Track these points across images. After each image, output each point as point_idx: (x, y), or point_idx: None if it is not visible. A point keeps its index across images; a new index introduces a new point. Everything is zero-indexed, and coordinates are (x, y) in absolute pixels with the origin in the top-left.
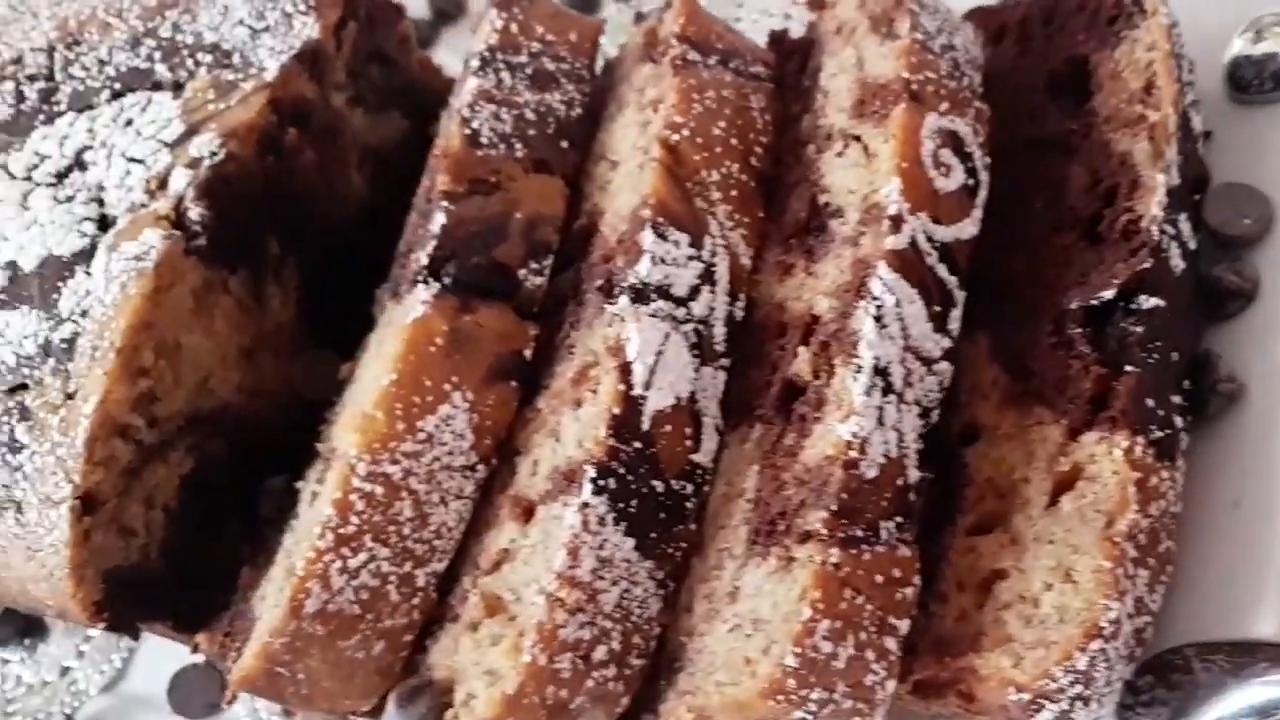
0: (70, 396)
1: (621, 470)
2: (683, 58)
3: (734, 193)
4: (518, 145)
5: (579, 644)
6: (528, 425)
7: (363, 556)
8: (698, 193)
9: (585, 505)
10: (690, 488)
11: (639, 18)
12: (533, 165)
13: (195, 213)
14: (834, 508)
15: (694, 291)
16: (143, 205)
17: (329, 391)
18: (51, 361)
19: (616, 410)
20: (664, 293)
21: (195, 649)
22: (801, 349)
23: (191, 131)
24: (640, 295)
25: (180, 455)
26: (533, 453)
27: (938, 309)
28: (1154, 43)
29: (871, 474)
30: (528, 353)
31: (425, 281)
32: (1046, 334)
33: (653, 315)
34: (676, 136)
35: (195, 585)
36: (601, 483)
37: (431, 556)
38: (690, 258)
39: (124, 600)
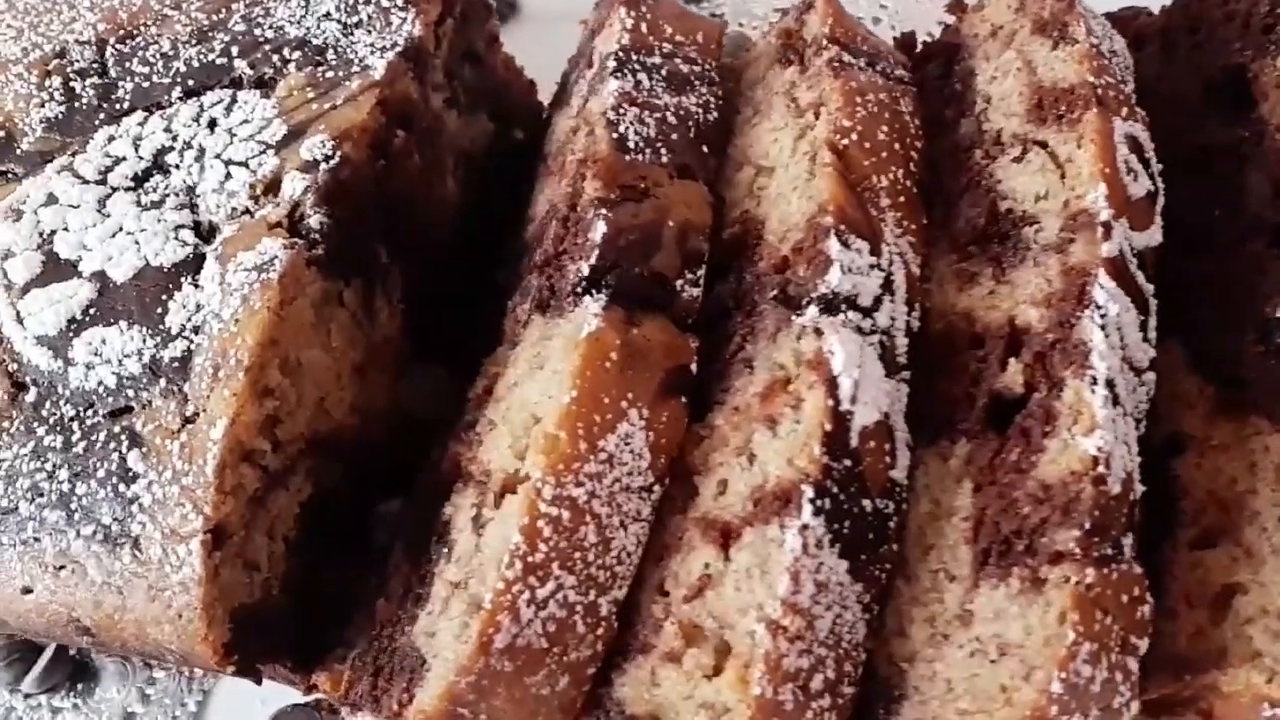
0: (190, 420)
1: (835, 489)
2: (839, 60)
3: (901, 199)
4: (663, 150)
5: (799, 673)
6: (702, 443)
7: (550, 586)
8: (869, 200)
9: (805, 527)
10: (891, 506)
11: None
12: (677, 171)
13: (315, 220)
14: (1087, 526)
15: (877, 301)
16: (247, 211)
17: (439, 408)
18: (162, 382)
19: (829, 426)
20: (852, 303)
21: (311, 689)
22: (1011, 361)
23: (297, 133)
24: (830, 306)
25: (300, 481)
26: (715, 472)
27: (1143, 317)
28: None
29: (1116, 489)
30: (693, 367)
31: (589, 293)
32: (1251, 343)
33: (844, 326)
34: (845, 141)
35: (314, 621)
36: (819, 503)
37: (613, 583)
38: (872, 266)
39: (250, 641)
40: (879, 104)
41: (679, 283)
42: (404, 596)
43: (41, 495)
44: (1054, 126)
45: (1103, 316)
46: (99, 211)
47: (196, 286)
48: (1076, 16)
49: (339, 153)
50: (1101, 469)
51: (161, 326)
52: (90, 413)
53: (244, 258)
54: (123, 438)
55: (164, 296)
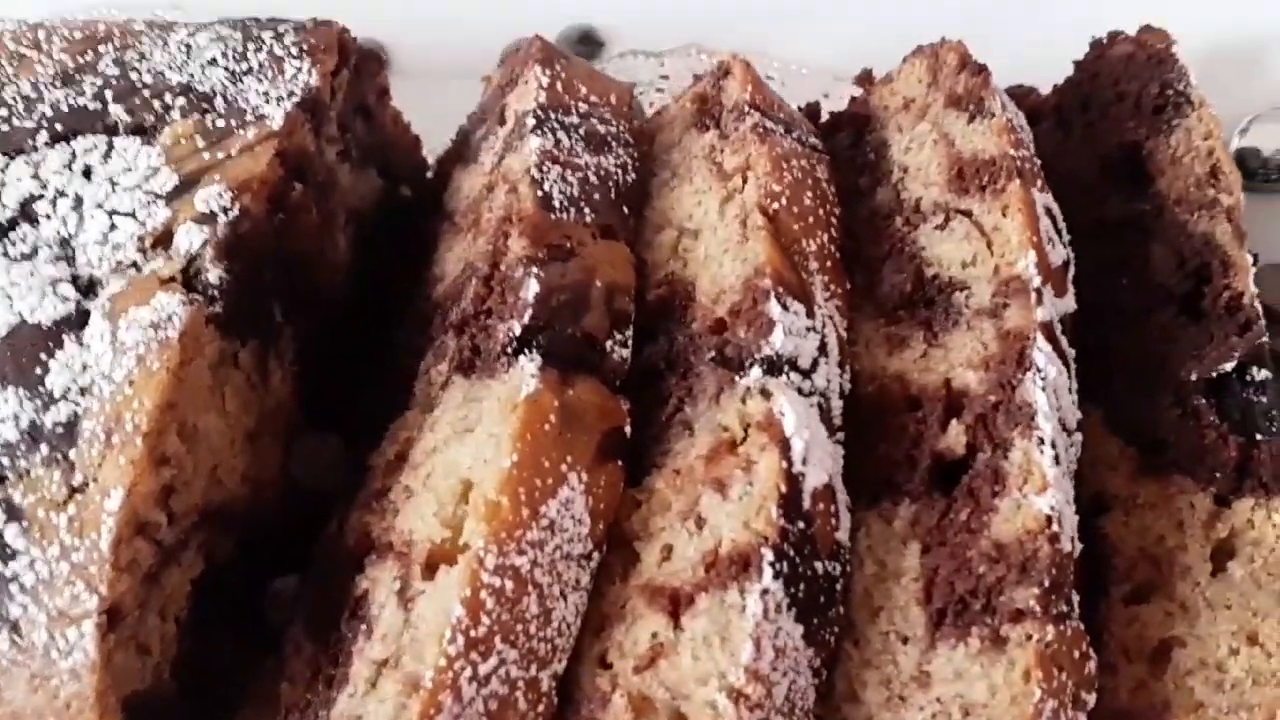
0: (78, 490)
1: (791, 553)
2: (761, 126)
3: (828, 263)
4: (586, 210)
5: None
6: (639, 508)
7: (493, 661)
8: (800, 263)
9: (765, 591)
10: (838, 569)
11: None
12: (600, 231)
13: (213, 274)
14: (1045, 584)
15: (814, 363)
16: (134, 265)
17: (334, 478)
18: (44, 449)
19: (784, 489)
20: (794, 364)
21: None
22: (953, 423)
23: (189, 183)
24: (774, 367)
25: (192, 556)
26: (657, 538)
27: (1070, 381)
28: (1209, 131)
29: (1067, 547)
30: (628, 429)
31: (521, 353)
32: (1168, 406)
33: (789, 388)
34: (775, 205)
35: (204, 707)
36: (778, 566)
37: (553, 656)
38: (808, 329)
39: None
40: (802, 170)
41: (608, 344)
42: (312, 679)
43: None
44: (976, 196)
45: (1043, 379)
46: None
47: (81, 345)
48: (991, 91)
49: (238, 205)
50: (1055, 527)
51: (41, 389)
52: None
53: (137, 314)
54: None
55: (43, 356)
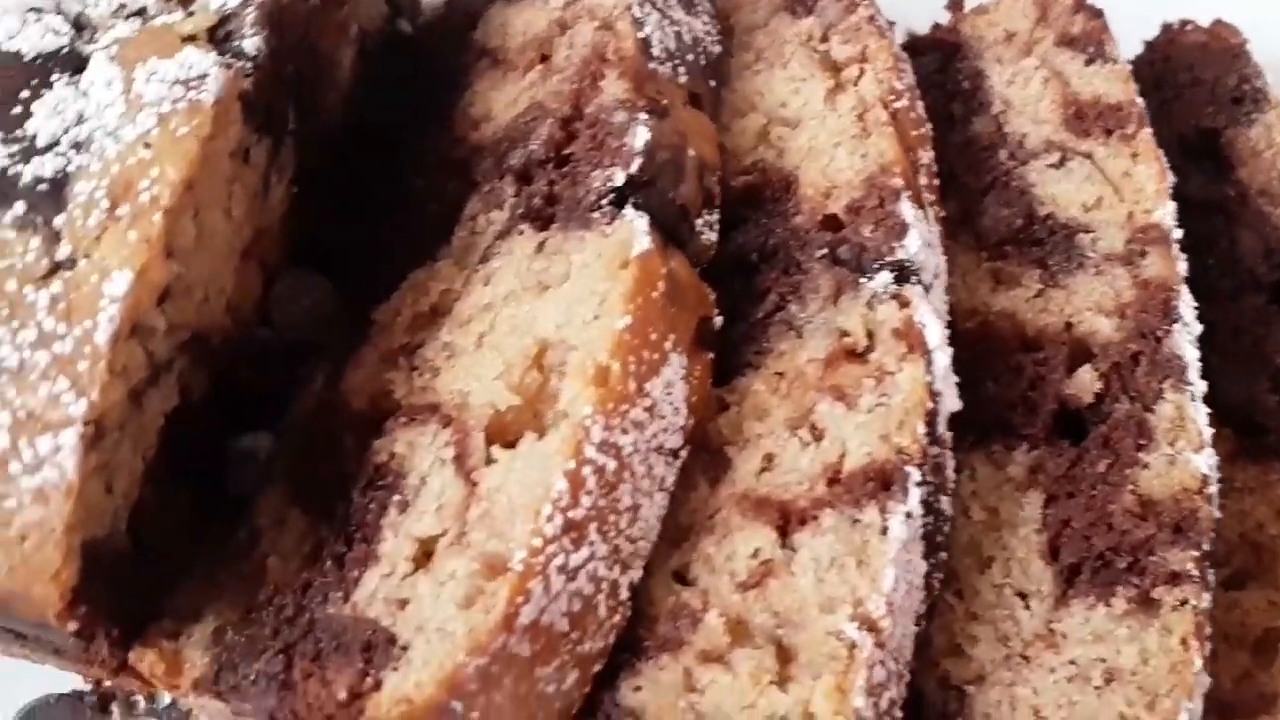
0: (63, 266)
1: (929, 478)
2: (878, 20)
3: (934, 181)
4: (680, 69)
5: (879, 688)
6: (728, 410)
7: (584, 553)
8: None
9: (909, 515)
10: (949, 508)
11: None
12: (689, 98)
13: (251, 43)
14: (1205, 546)
15: (934, 279)
16: (142, 11)
17: (311, 326)
18: (18, 208)
19: (929, 404)
20: (918, 275)
21: (119, 670)
22: (1083, 369)
23: None
24: (905, 274)
25: (170, 384)
26: (755, 445)
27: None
28: None
29: (1217, 512)
30: (718, 320)
31: (624, 207)
32: (1265, 392)
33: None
34: (898, 105)
35: (147, 578)
36: (922, 489)
37: (634, 561)
38: (929, 243)
39: (93, 591)
40: (914, 78)
41: (697, 222)
42: (311, 556)
43: None
44: (1100, 139)
45: (1189, 332)
46: None
47: (77, 90)
48: (1110, 37)
49: None
50: (1211, 488)
51: (20, 133)
52: None
53: (159, 66)
54: None
55: (24, 94)
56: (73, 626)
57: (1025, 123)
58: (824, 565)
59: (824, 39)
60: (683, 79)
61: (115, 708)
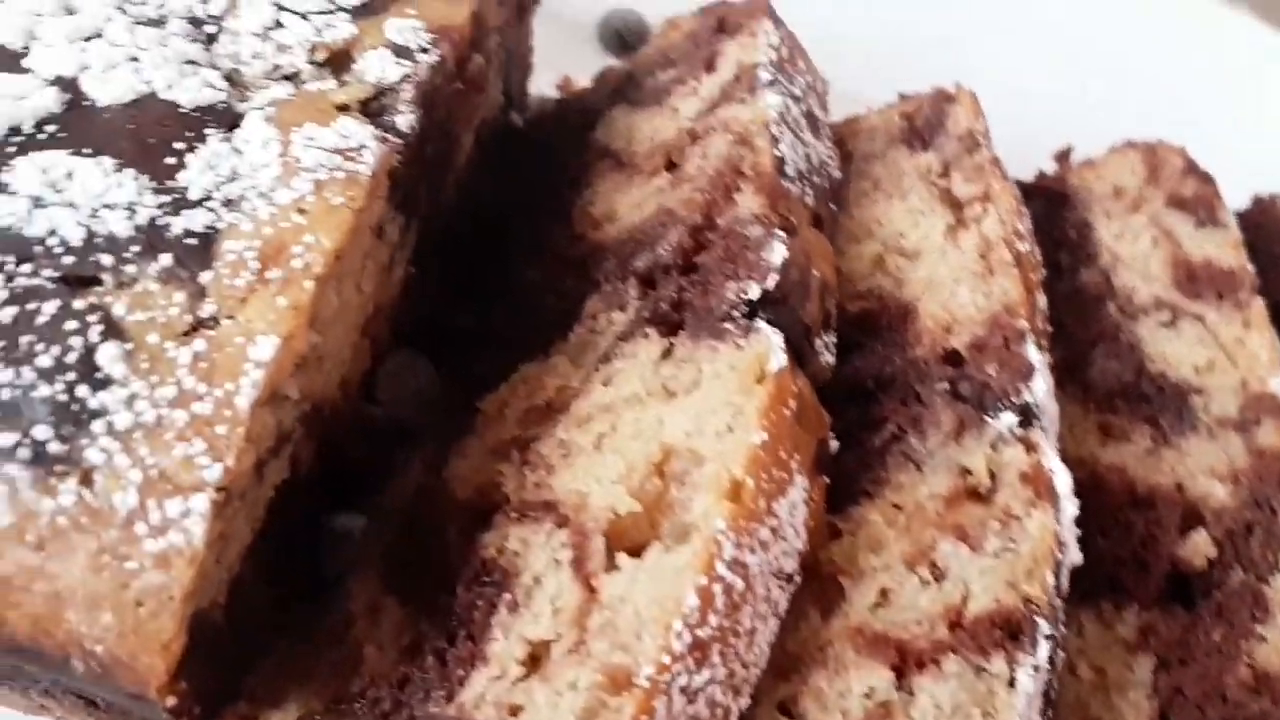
0: (204, 324)
1: (1054, 631)
2: (998, 162)
3: (1047, 328)
4: (808, 190)
5: None
6: (840, 539)
7: (705, 675)
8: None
9: (1037, 668)
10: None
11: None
12: (813, 219)
13: (405, 120)
14: None
15: (1050, 425)
16: (295, 75)
17: (413, 409)
18: (164, 259)
19: (1057, 554)
20: (1040, 419)
21: None
22: (1195, 533)
23: (380, 6)
24: (1030, 417)
25: (285, 457)
26: (870, 578)
27: None
28: None
29: None
30: (834, 444)
31: (755, 321)
32: None
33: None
34: (1021, 248)
35: (234, 655)
36: (1050, 642)
37: (744, 689)
38: (1049, 387)
39: (193, 666)
40: (1029, 221)
41: (817, 343)
42: (410, 650)
43: None
44: (1211, 303)
45: None
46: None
47: (231, 147)
48: (1222, 203)
49: (437, 49)
50: None
51: (171, 183)
52: (27, 268)
53: (316, 133)
54: (90, 320)
55: (178, 145)
56: (171, 702)
57: (1134, 278)
58: (946, 713)
59: (943, 174)
60: (809, 200)
61: None
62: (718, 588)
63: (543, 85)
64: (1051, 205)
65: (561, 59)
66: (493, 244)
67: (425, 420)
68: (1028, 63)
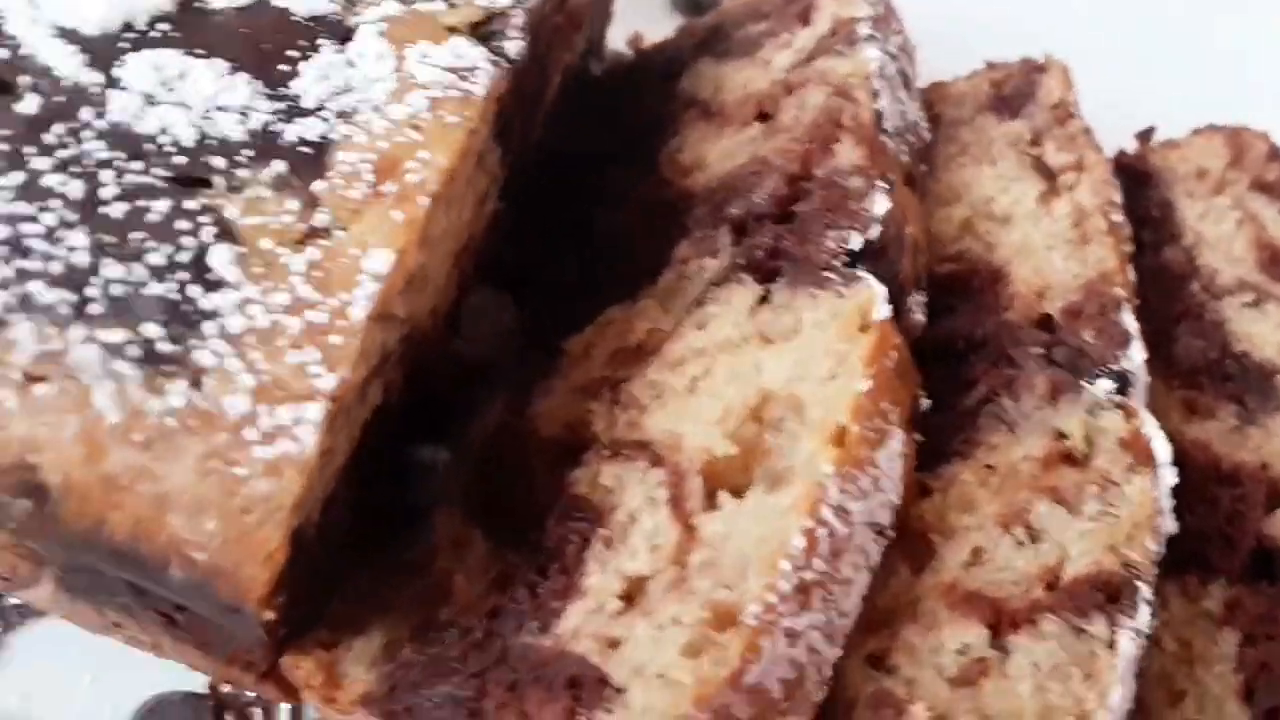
0: (318, 233)
1: (1152, 597)
2: (1089, 132)
3: (1135, 300)
4: (902, 147)
5: None
6: (929, 496)
7: (806, 619)
8: None
9: (1138, 631)
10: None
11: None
12: (904, 177)
13: (514, 46)
14: None
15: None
16: None
17: (492, 346)
18: (277, 166)
19: (1158, 521)
20: (1136, 387)
21: (267, 676)
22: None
23: None
24: (1124, 384)
25: (381, 382)
26: (963, 536)
27: None
28: None
29: None
30: (925, 403)
31: (855, 270)
32: None
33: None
34: (1114, 218)
35: (317, 581)
36: (1150, 605)
37: (838, 637)
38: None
39: (290, 583)
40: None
41: (909, 301)
42: (498, 581)
43: (26, 256)
44: None
45: None
46: None
47: (344, 59)
48: None
49: None
50: None
51: (284, 91)
52: (138, 165)
53: (430, 51)
54: (202, 221)
55: (292, 52)
56: (269, 615)
57: (1218, 259)
58: (1044, 673)
59: (1034, 142)
60: (904, 157)
61: (229, 716)
62: (822, 531)
63: (613, 41)
64: (1133, 183)
65: (632, 17)
66: (570, 188)
67: (504, 358)
68: (1104, 41)
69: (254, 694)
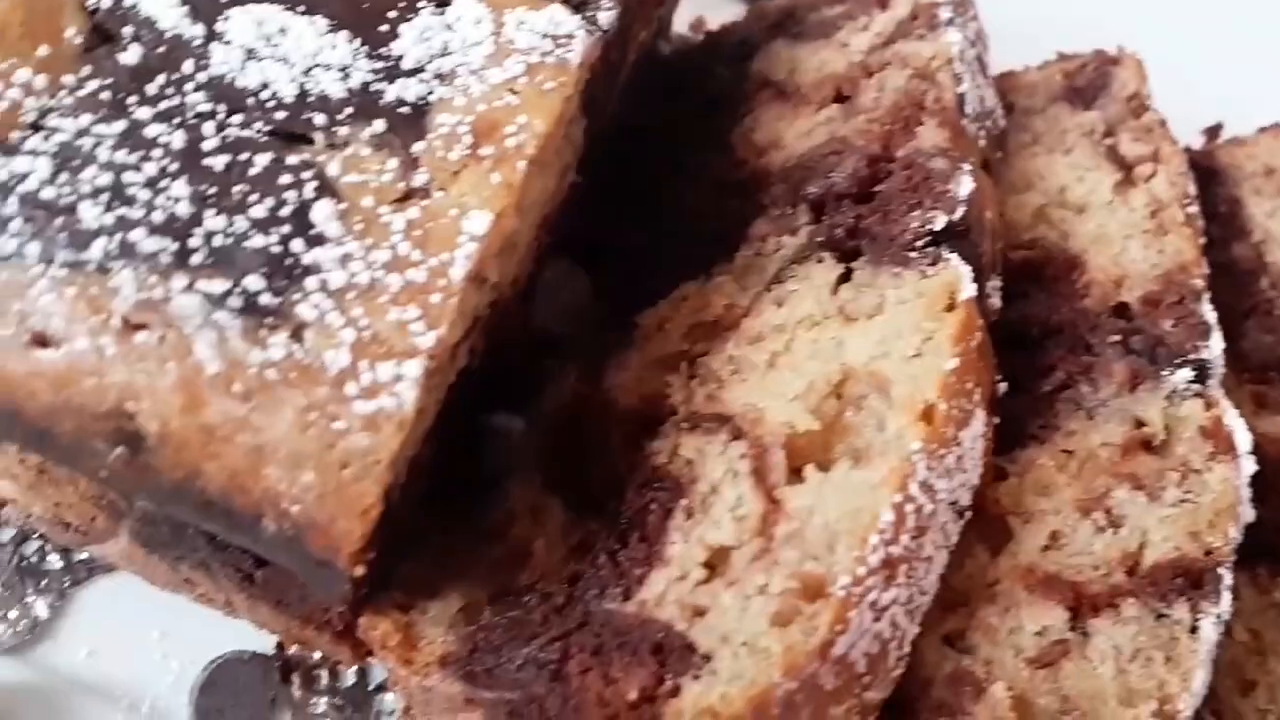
0: (416, 193)
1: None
2: (1163, 123)
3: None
4: (980, 132)
5: None
6: (1006, 479)
7: (891, 594)
8: None
9: (1219, 617)
10: None
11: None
12: (981, 163)
13: (606, 15)
14: None
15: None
16: None
17: (565, 318)
18: (377, 125)
19: (1239, 509)
20: (1215, 377)
21: (343, 636)
22: None
23: None
24: (1203, 374)
25: (469, 344)
26: (1040, 520)
27: None
28: None
29: None
30: (1002, 386)
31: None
32: None
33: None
34: (1190, 210)
35: (395, 543)
36: (1229, 593)
37: (917, 615)
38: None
39: (378, 542)
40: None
41: (987, 285)
42: (577, 548)
43: (129, 203)
44: None
45: None
46: None
47: (443, 21)
48: None
49: None
50: None
51: (385, 51)
52: (238, 119)
53: (527, 17)
54: (304, 176)
55: (392, 13)
56: (359, 571)
57: None
58: (1126, 656)
59: (1108, 134)
60: (982, 142)
61: (296, 678)
62: (910, 507)
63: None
64: (1200, 179)
65: (691, 3)
66: (638, 164)
67: (576, 330)
68: (1167, 36)
69: (319, 655)
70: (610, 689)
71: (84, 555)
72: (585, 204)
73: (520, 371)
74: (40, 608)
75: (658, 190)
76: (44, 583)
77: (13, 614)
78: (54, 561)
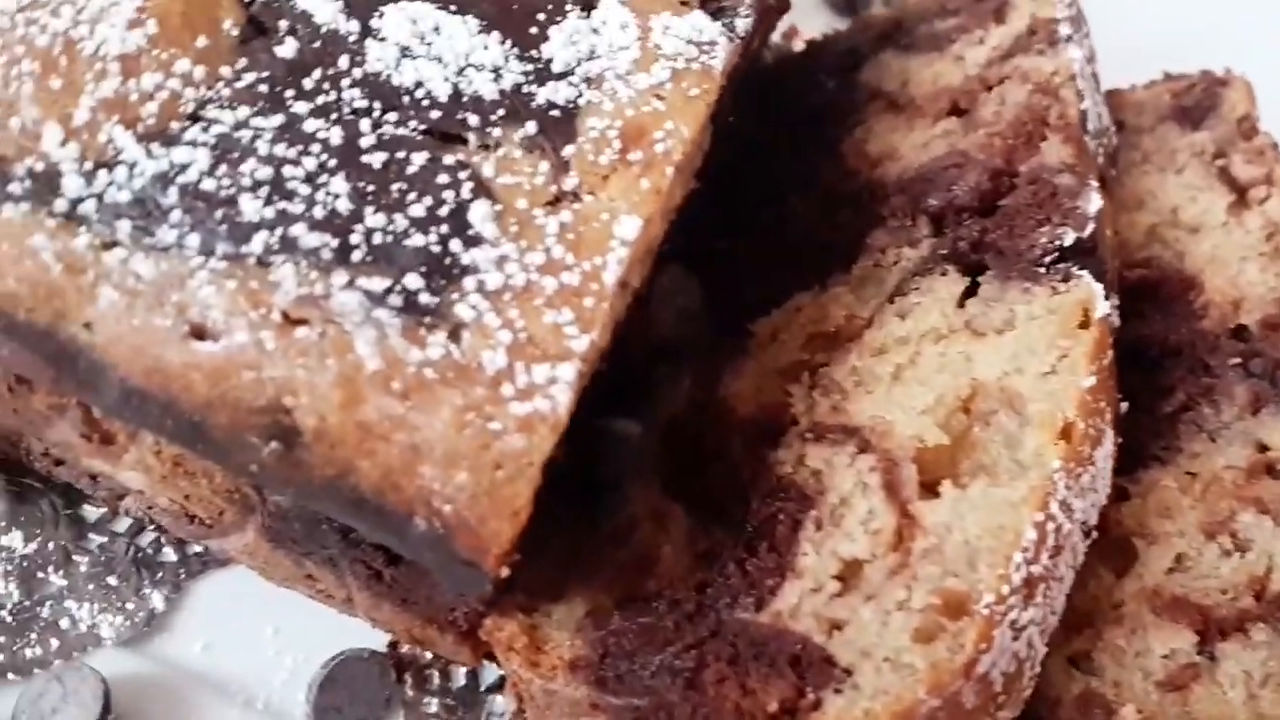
0: (567, 197)
1: None
2: (1276, 147)
3: None
4: (1099, 150)
5: None
6: (1128, 500)
7: (1030, 614)
8: None
9: None
10: None
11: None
12: (1099, 179)
13: (744, 24)
14: None
15: None
16: None
17: (680, 325)
18: (529, 127)
19: None
20: None
21: (467, 637)
22: None
23: None
24: None
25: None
26: (1165, 542)
27: None
28: None
29: None
30: (1124, 406)
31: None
32: None
33: None
34: None
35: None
36: None
37: (1048, 634)
38: None
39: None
40: None
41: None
42: (702, 557)
43: (289, 198)
44: None
45: None
46: None
47: (589, 25)
48: None
49: None
50: None
51: (535, 53)
52: (393, 117)
53: (672, 23)
54: (460, 176)
55: (540, 16)
56: (505, 573)
57: None
58: (1256, 681)
59: (1219, 155)
60: (1100, 159)
61: (409, 677)
62: (1050, 526)
63: None
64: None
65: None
66: (742, 173)
67: (690, 337)
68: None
69: (430, 655)
70: (748, 699)
71: (198, 548)
72: (694, 210)
73: (635, 376)
74: (156, 600)
75: (762, 198)
76: (160, 575)
77: (130, 605)
78: (169, 554)
